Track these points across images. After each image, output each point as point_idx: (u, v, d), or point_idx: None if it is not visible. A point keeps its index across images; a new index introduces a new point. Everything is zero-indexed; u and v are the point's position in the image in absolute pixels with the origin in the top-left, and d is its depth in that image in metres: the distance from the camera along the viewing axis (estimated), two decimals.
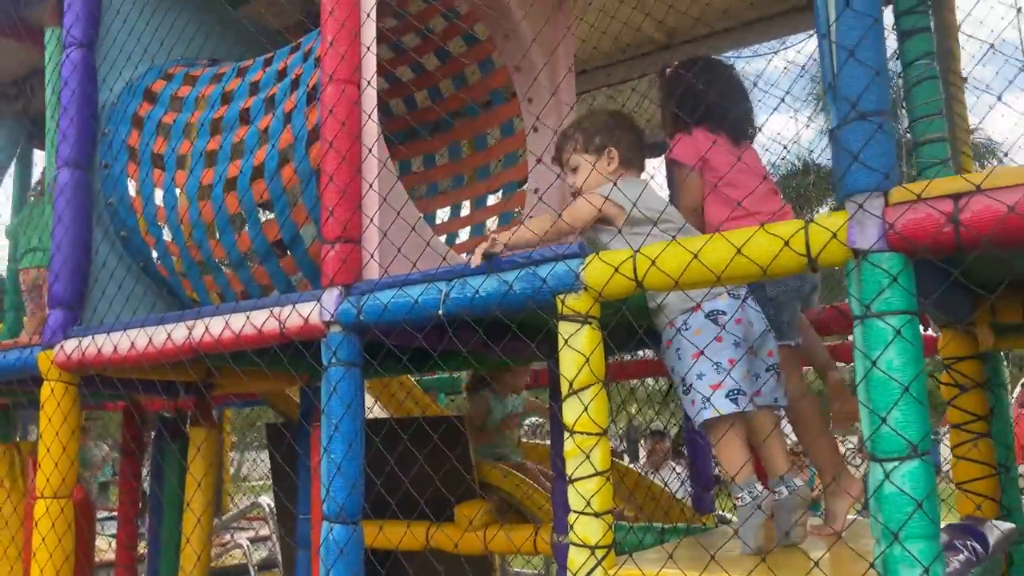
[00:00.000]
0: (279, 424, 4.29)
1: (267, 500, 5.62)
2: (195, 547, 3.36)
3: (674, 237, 1.75)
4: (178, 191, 3.01)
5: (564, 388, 1.82)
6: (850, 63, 1.51)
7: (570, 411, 1.81)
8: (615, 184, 2.10)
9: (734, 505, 2.00)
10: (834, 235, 1.51)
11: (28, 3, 4.03)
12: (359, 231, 2.32)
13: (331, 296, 2.28)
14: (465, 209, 3.62)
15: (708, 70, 2.52)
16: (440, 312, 2.06)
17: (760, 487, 1.94)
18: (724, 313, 1.99)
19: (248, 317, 2.43)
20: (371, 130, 2.35)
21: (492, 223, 3.55)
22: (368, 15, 2.41)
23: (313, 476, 2.79)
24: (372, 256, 2.26)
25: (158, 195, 3.13)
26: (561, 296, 1.86)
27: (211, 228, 2.95)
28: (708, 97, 2.31)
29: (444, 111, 3.50)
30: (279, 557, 5.07)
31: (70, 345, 2.91)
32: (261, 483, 10.52)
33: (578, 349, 1.81)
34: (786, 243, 1.56)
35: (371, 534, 2.71)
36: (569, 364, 1.82)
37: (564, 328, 1.84)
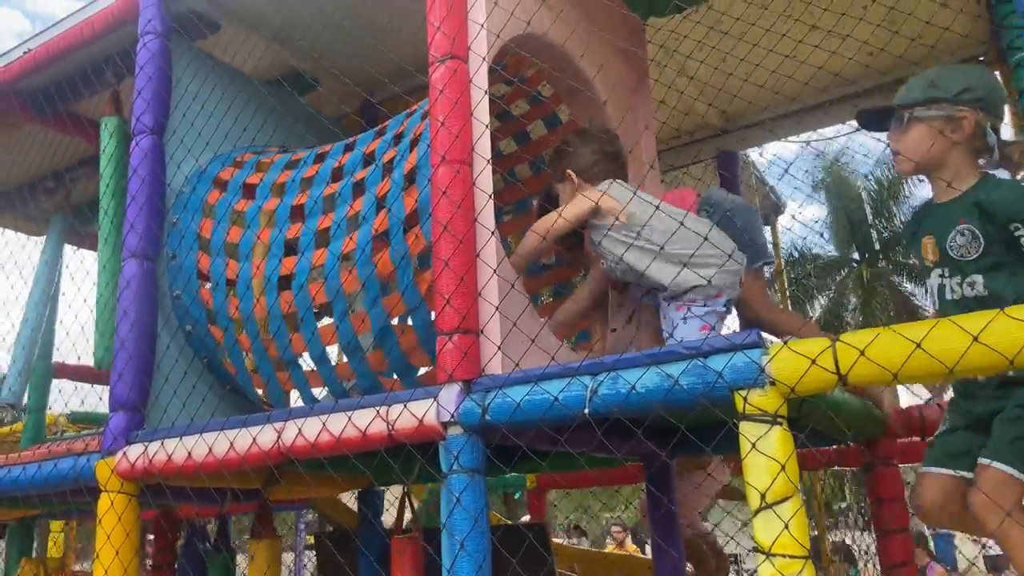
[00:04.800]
0: (334, 533, 3.97)
1: None
2: None
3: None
4: (254, 281, 2.82)
5: (754, 501, 1.57)
6: None
7: (765, 528, 1.55)
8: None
9: None
10: None
11: (77, 94, 3.94)
12: (477, 321, 2.11)
13: (450, 393, 2.04)
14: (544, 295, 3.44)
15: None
16: (586, 411, 1.82)
17: None
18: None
19: (350, 418, 2.19)
20: (489, 213, 2.17)
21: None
22: (482, 95, 2.26)
23: None
24: (499, 349, 2.04)
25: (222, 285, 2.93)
26: (742, 392, 1.63)
27: (290, 320, 2.74)
28: None
29: (528, 193, 3.35)
30: None
31: (134, 451, 2.64)
32: None
33: (769, 454, 1.57)
34: None
35: None
36: (759, 472, 1.58)
37: (749, 430, 1.61)
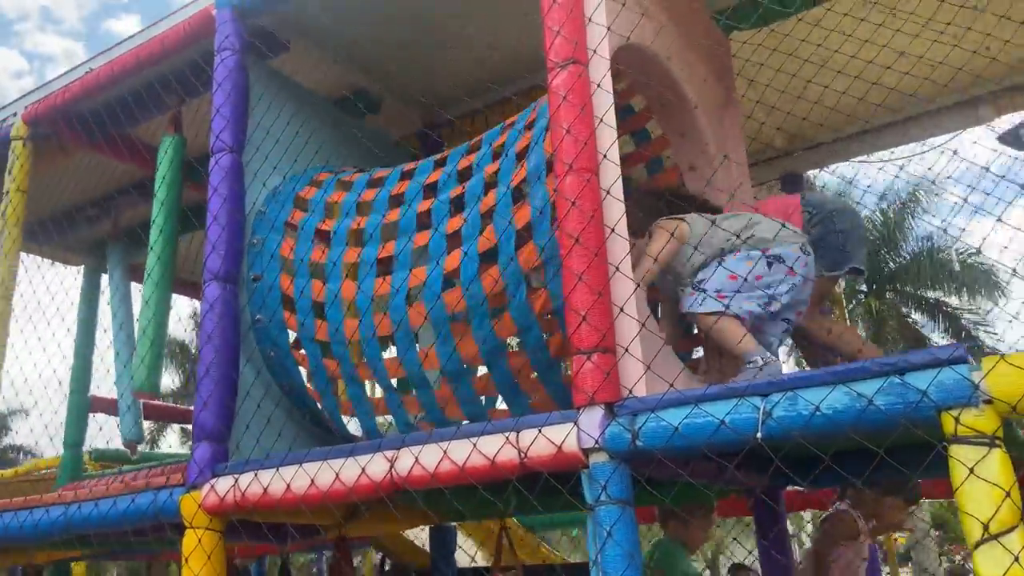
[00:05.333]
0: (403, 569, 3.79)
1: None
2: None
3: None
4: (344, 302, 2.68)
5: (974, 532, 1.42)
6: None
7: (989, 562, 1.40)
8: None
9: None
10: None
11: (133, 117, 3.84)
12: (613, 339, 1.96)
13: (593, 417, 1.89)
14: None
15: None
16: (759, 435, 1.67)
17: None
18: (783, 260, 2.38)
19: (475, 444, 2.03)
20: (623, 223, 2.04)
21: None
22: (608, 100, 2.14)
23: None
24: (648, 368, 1.89)
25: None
26: (953, 412, 1.48)
27: (385, 343, 2.60)
28: None
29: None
30: None
31: (223, 485, 2.48)
32: None
33: (990, 480, 1.42)
34: None
35: None
36: (978, 500, 1.42)
37: (963, 454, 1.45)
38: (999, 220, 1.92)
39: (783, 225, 2.38)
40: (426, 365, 2.49)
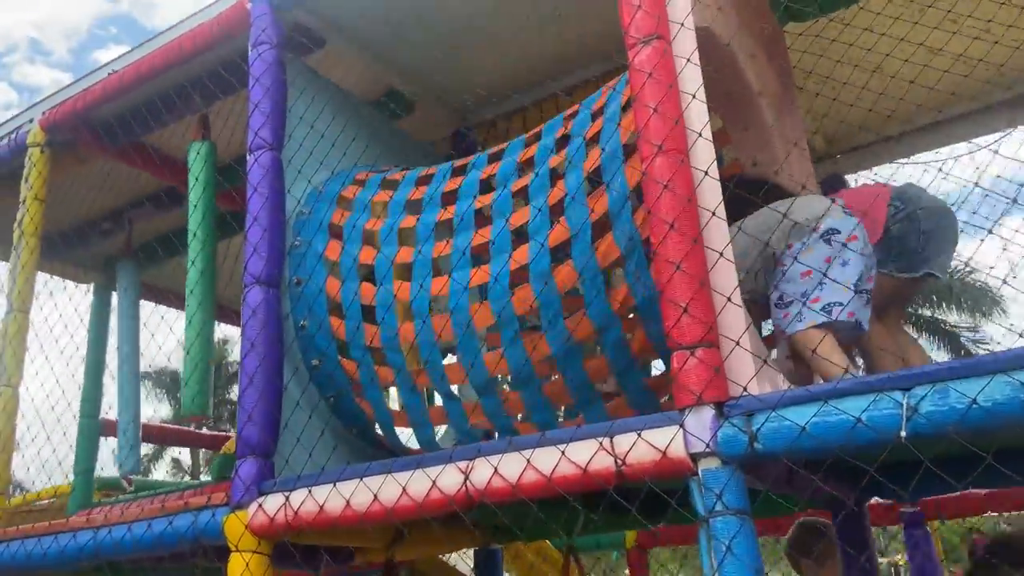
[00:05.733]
0: None
1: None
2: None
3: None
4: (397, 305, 2.50)
5: None
6: None
7: None
8: None
9: None
10: None
11: (158, 121, 3.67)
12: (717, 333, 1.79)
13: (701, 419, 1.71)
14: None
15: None
16: (903, 434, 1.49)
17: None
18: (838, 231, 2.24)
19: (563, 452, 1.85)
20: (721, 207, 1.87)
21: None
22: (697, 76, 1.99)
23: None
24: (765, 362, 1.72)
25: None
26: None
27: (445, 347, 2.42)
28: None
29: None
30: None
31: (273, 503, 2.28)
32: None
33: None
34: None
35: None
36: None
37: None
38: (989, 232, 1.84)
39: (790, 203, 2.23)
40: (494, 371, 2.30)
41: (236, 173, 3.96)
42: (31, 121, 3.76)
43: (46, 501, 6.34)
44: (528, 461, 1.88)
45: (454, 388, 2.60)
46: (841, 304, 2.19)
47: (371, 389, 2.56)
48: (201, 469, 20.00)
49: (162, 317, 4.61)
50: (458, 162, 2.78)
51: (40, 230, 3.52)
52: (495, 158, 2.66)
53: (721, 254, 1.81)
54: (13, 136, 3.76)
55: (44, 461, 4.23)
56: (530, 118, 3.85)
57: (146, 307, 5.09)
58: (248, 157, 2.78)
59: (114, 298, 5.45)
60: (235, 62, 3.15)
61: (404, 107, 3.78)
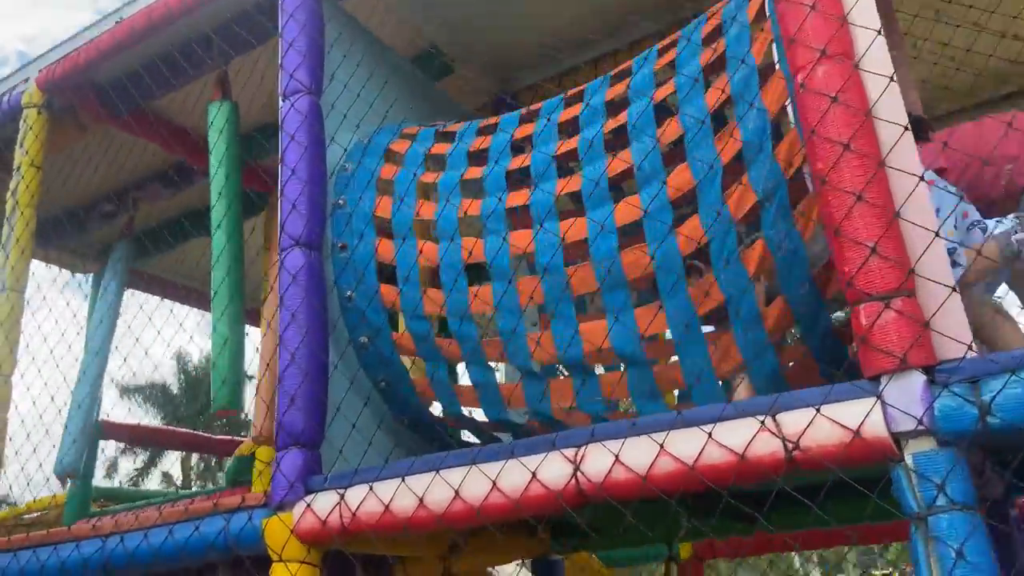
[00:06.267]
0: None
1: None
2: None
3: None
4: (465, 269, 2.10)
5: None
6: None
7: None
8: None
9: None
10: None
11: (167, 82, 3.27)
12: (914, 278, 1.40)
13: (908, 387, 1.32)
14: None
15: None
16: None
17: None
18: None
19: (710, 434, 1.45)
20: (902, 117, 1.49)
21: None
22: None
23: None
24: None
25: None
26: None
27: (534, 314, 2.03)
28: None
29: None
30: None
31: (325, 503, 1.87)
32: None
33: None
34: None
35: None
36: None
37: None
38: None
39: None
40: (594, 347, 1.91)
41: (257, 145, 3.58)
42: (27, 81, 3.35)
43: (35, 513, 5.86)
44: (661, 446, 1.49)
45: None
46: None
47: (434, 368, 2.16)
48: (193, 482, 19.43)
49: (158, 332, 4.09)
50: (527, 109, 2.39)
51: (36, 200, 3.11)
52: (573, 101, 2.27)
53: (921, 178, 1.42)
54: (6, 98, 3.35)
55: (30, 474, 3.80)
56: (582, 81, 3.48)
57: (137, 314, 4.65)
58: (282, 104, 2.39)
59: None
60: (255, 16, 2.77)
61: (443, 67, 3.40)
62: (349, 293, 2.25)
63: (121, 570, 2.18)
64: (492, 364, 2.15)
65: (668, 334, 1.94)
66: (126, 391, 19.28)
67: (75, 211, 4.46)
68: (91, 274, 5.04)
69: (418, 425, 2.35)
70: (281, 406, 2.02)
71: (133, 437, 5.38)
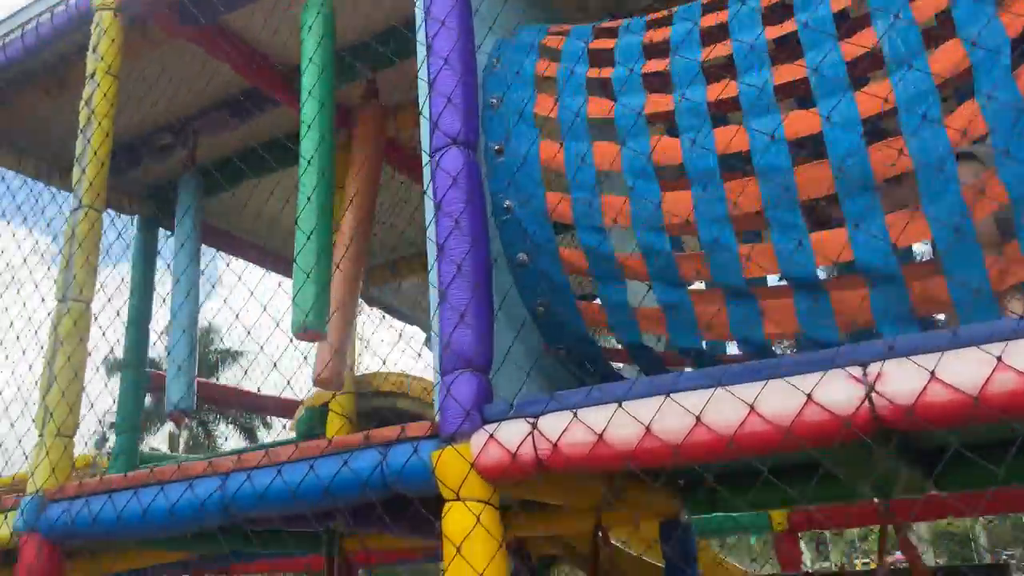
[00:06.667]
0: None
1: None
2: None
3: None
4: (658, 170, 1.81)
5: None
6: None
7: None
8: None
9: None
10: None
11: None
12: None
13: None
14: None
15: None
16: None
17: None
18: None
19: None
20: None
21: None
22: None
23: None
24: None
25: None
26: None
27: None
28: None
29: None
30: None
31: (511, 433, 1.59)
32: None
33: None
34: None
35: None
36: None
37: None
38: None
39: None
40: (828, 259, 1.61)
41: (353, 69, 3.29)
42: None
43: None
44: (999, 359, 1.20)
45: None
46: None
47: (615, 289, 1.86)
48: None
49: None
50: None
51: (115, 110, 2.79)
52: None
53: None
54: (71, 1, 3.03)
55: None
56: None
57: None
58: None
59: (161, 236, 4.75)
60: None
61: None
62: (507, 203, 1.95)
63: (245, 512, 1.90)
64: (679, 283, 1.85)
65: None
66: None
67: (128, 143, 4.14)
68: (135, 216, 4.74)
69: (576, 356, 2.06)
70: (446, 324, 1.72)
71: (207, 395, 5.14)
